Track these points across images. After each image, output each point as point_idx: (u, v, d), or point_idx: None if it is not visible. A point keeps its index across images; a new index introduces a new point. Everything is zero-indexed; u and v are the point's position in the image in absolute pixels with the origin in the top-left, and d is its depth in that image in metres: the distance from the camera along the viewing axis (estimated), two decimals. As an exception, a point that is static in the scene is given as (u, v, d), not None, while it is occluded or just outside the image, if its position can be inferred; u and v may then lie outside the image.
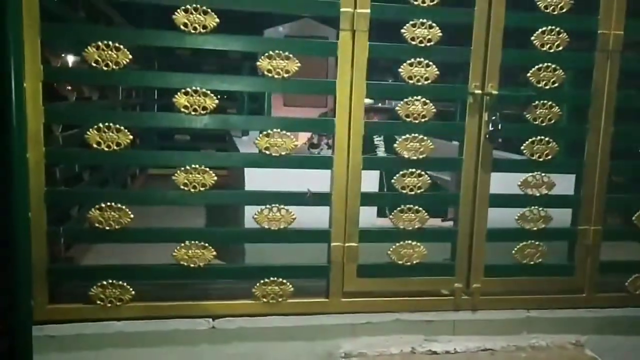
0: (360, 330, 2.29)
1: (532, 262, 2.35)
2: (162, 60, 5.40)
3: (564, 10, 2.21)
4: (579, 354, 2.38)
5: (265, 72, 2.06)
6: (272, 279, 2.18)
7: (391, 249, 2.26)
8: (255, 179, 2.66)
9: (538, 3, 2.20)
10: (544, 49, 2.22)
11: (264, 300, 2.19)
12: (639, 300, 2.44)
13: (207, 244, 2.11)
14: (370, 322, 2.28)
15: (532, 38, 2.22)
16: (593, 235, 2.37)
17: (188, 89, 2.03)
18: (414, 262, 2.26)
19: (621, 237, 2.47)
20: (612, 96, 2.31)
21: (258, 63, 2.06)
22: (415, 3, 2.13)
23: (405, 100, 2.18)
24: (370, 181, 2.68)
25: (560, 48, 2.23)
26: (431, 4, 2.13)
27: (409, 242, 2.26)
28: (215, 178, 2.10)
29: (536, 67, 2.24)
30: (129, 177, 4.81)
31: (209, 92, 2.03)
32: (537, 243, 2.35)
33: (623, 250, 2.62)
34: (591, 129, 2.33)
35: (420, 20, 2.13)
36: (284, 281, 2.19)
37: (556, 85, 2.26)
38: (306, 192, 2.20)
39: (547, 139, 2.29)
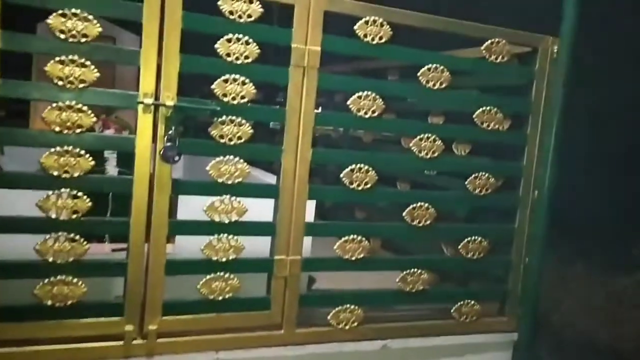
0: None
1: (220, 297, 2.08)
2: None
3: (252, 19, 2.01)
4: (274, 397, 2.15)
5: None
6: None
7: (38, 288, 1.84)
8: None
9: (222, 8, 1.97)
10: (230, 59, 2.00)
11: None
12: (342, 335, 2.29)
13: None
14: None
15: (216, 46, 1.98)
16: (290, 265, 2.18)
17: None
18: (70, 302, 1.88)
19: (322, 267, 2.30)
20: (309, 115, 2.15)
21: None
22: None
23: (53, 105, 1.81)
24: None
25: (249, 59, 2.02)
26: (85, -5, 1.80)
27: (63, 277, 1.86)
28: None
29: (222, 78, 2.00)
30: None
31: None
32: (227, 275, 2.09)
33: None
34: (286, 150, 2.14)
35: (72, 10, 1.78)
36: None
37: (245, 100, 2.04)
38: None
39: (237, 159, 2.05)
